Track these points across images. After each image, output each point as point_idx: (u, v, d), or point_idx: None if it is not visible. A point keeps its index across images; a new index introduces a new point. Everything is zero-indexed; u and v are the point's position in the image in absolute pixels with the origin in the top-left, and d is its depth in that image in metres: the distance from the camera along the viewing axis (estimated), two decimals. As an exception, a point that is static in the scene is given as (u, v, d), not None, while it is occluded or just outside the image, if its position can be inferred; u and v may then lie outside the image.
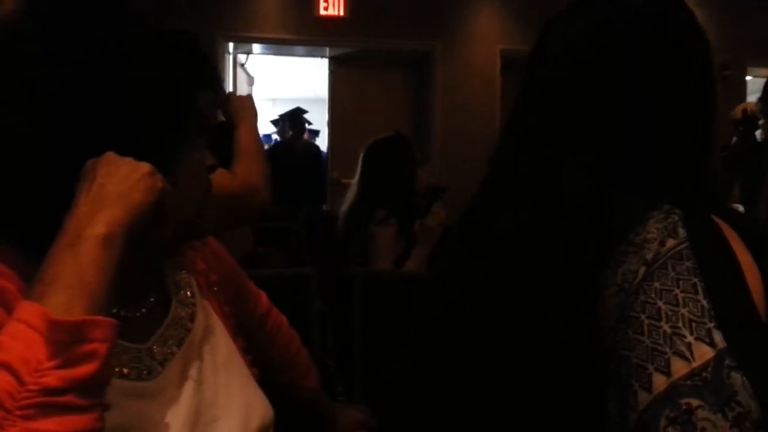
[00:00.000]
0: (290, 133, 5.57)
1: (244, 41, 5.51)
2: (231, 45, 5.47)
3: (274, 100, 8.63)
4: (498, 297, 0.70)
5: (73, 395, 0.52)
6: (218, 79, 0.78)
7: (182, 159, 0.71)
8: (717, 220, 0.64)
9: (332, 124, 5.84)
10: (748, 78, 5.86)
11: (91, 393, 0.53)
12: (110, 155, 0.62)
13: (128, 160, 0.62)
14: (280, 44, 5.60)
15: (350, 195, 2.33)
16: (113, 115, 0.65)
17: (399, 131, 2.39)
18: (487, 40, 5.54)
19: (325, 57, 5.85)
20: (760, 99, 3.51)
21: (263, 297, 1.08)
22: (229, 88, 5.38)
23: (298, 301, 1.52)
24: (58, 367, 0.51)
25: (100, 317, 0.54)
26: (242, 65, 6.01)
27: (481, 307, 0.71)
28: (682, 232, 0.61)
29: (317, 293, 1.63)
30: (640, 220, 0.64)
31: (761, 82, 3.55)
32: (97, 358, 0.53)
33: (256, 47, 5.81)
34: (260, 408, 0.81)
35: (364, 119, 5.35)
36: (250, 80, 6.41)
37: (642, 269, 0.61)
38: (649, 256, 0.62)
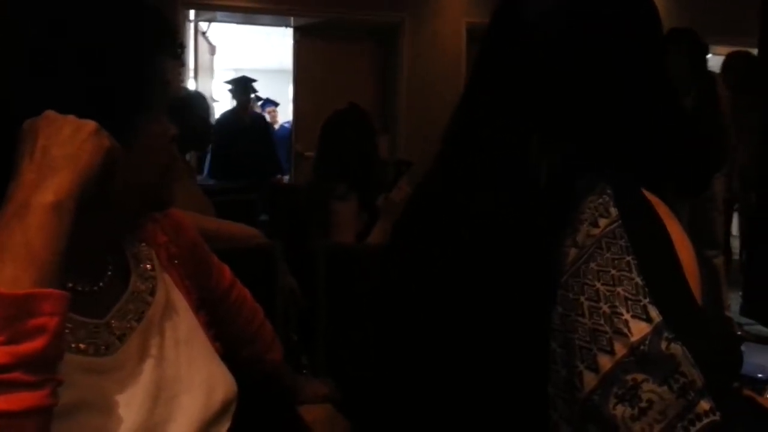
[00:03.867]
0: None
1: (205, 8, 5.37)
2: (192, 12, 5.32)
3: (237, 70, 8.44)
4: (458, 273, 0.70)
5: (21, 372, 0.50)
6: (180, 46, 0.76)
7: (141, 126, 0.69)
8: (650, 196, 0.64)
9: (297, 96, 5.76)
10: (708, 56, 5.96)
11: (40, 369, 0.51)
12: (50, 114, 0.59)
13: (71, 118, 0.59)
14: (243, 12, 5.47)
15: (312, 169, 2.34)
16: (69, 78, 0.62)
17: (354, 104, 2.38)
18: (454, 13, 5.51)
19: (290, 27, 5.74)
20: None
21: (226, 270, 1.06)
22: (191, 57, 5.24)
23: (261, 275, 1.50)
24: (5, 343, 0.49)
25: (49, 290, 0.52)
26: (204, 34, 5.86)
27: (440, 282, 0.72)
28: (613, 210, 0.62)
29: (280, 266, 1.62)
30: (581, 201, 0.64)
31: (720, 59, 3.64)
32: (47, 333, 0.51)
33: (219, 15, 5.67)
34: (223, 382, 0.80)
35: (330, 91, 5.29)
36: (212, 49, 6.25)
37: (572, 251, 0.62)
38: (579, 237, 0.62)
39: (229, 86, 5.13)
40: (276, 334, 1.16)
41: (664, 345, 0.55)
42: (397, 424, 0.75)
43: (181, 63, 0.77)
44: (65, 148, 0.57)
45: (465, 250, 0.70)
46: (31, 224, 0.54)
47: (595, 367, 0.57)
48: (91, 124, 0.60)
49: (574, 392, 0.59)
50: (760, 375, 0.67)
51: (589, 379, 0.57)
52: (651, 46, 0.72)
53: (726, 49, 4.07)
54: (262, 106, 7.21)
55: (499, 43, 0.76)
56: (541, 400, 0.62)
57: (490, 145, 0.72)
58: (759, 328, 2.96)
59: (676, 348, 0.55)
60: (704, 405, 0.54)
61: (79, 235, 0.57)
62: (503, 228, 0.68)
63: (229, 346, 0.91)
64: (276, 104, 7.57)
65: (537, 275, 0.65)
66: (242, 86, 5.03)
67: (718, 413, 0.54)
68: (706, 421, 0.54)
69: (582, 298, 0.60)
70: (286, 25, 5.78)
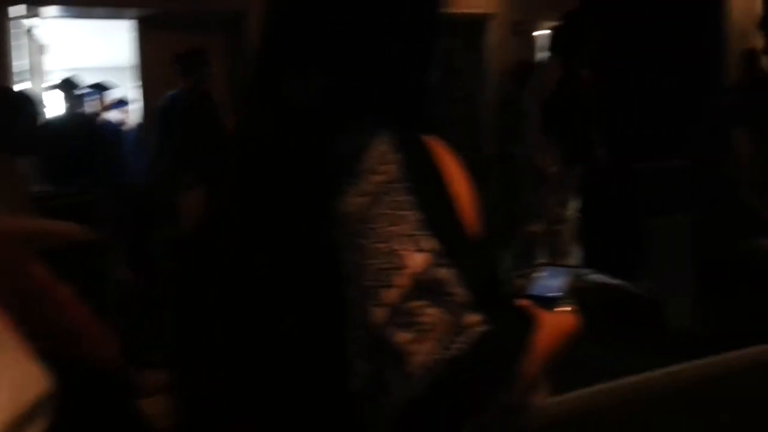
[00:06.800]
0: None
1: (31, 3, 4.94)
2: (16, 9, 4.88)
3: (74, 69, 7.87)
4: (235, 233, 0.73)
5: None
6: None
7: None
8: (433, 141, 0.69)
9: (144, 92, 5.47)
10: (537, 33, 6.37)
11: None
12: None
13: None
14: (76, 6, 5.11)
15: (156, 164, 2.23)
16: None
17: (197, 85, 2.29)
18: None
19: (132, 19, 5.44)
20: (549, 49, 3.88)
21: (40, 269, 1.00)
22: (14, 58, 4.80)
23: (89, 270, 1.44)
24: None
25: None
26: (30, 32, 5.38)
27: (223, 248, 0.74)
28: (392, 157, 0.66)
29: (122, 262, 1.56)
30: (361, 149, 0.67)
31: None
32: None
33: (48, 10, 5.24)
34: (35, 381, 0.75)
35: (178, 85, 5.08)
36: (41, 49, 5.75)
37: (358, 199, 0.65)
38: (363, 185, 0.65)
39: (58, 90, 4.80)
40: (109, 328, 1.11)
41: (437, 272, 0.60)
42: (211, 379, 0.76)
43: None
44: None
45: (239, 180, 0.74)
46: None
47: (381, 302, 0.61)
48: None
49: (365, 329, 0.62)
50: (549, 294, 0.75)
51: (377, 314, 0.61)
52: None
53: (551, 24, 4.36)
54: (115, 107, 6.77)
55: None
56: (339, 342, 0.65)
57: (260, 92, 0.75)
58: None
59: (448, 272, 0.61)
60: (472, 318, 0.60)
61: None
62: (262, 149, 0.72)
63: (51, 345, 0.86)
64: (126, 103, 7.13)
65: (308, 223, 0.67)
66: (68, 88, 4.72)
67: (486, 325, 0.60)
68: (472, 331, 0.59)
69: (368, 242, 0.63)
70: (128, 17, 5.46)
